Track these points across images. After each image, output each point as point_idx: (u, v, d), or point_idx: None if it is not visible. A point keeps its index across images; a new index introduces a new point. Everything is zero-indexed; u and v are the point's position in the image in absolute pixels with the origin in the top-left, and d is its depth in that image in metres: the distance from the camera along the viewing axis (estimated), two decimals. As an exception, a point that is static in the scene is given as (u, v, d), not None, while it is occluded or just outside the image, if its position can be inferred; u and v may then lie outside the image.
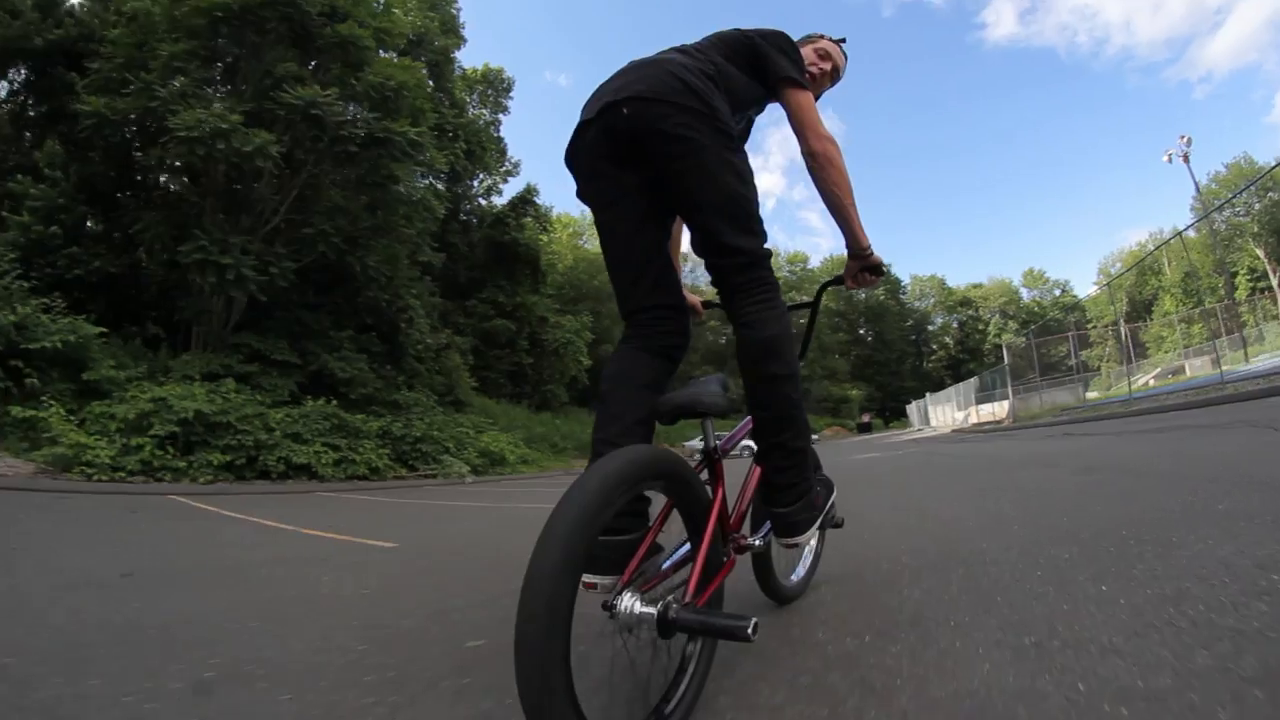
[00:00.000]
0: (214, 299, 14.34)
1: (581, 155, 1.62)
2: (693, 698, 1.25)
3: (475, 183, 30.05)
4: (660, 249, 1.66)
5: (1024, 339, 35.51)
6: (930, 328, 78.15)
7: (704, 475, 1.41)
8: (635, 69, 1.59)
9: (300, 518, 6.61)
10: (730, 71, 1.67)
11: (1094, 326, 44.61)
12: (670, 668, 1.27)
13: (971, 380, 36.14)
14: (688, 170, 1.50)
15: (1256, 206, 46.18)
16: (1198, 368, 24.49)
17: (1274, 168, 25.60)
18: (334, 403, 14.62)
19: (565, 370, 31.34)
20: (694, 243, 1.63)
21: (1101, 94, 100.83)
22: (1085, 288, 75.20)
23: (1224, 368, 15.85)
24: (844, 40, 2.12)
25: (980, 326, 73.56)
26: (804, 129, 1.66)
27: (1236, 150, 65.41)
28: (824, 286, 2.07)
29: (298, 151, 15.37)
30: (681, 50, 1.67)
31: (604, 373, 1.62)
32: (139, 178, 16.77)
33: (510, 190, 31.11)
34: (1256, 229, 46.43)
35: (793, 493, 1.58)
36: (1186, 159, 23.20)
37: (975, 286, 75.16)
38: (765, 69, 1.71)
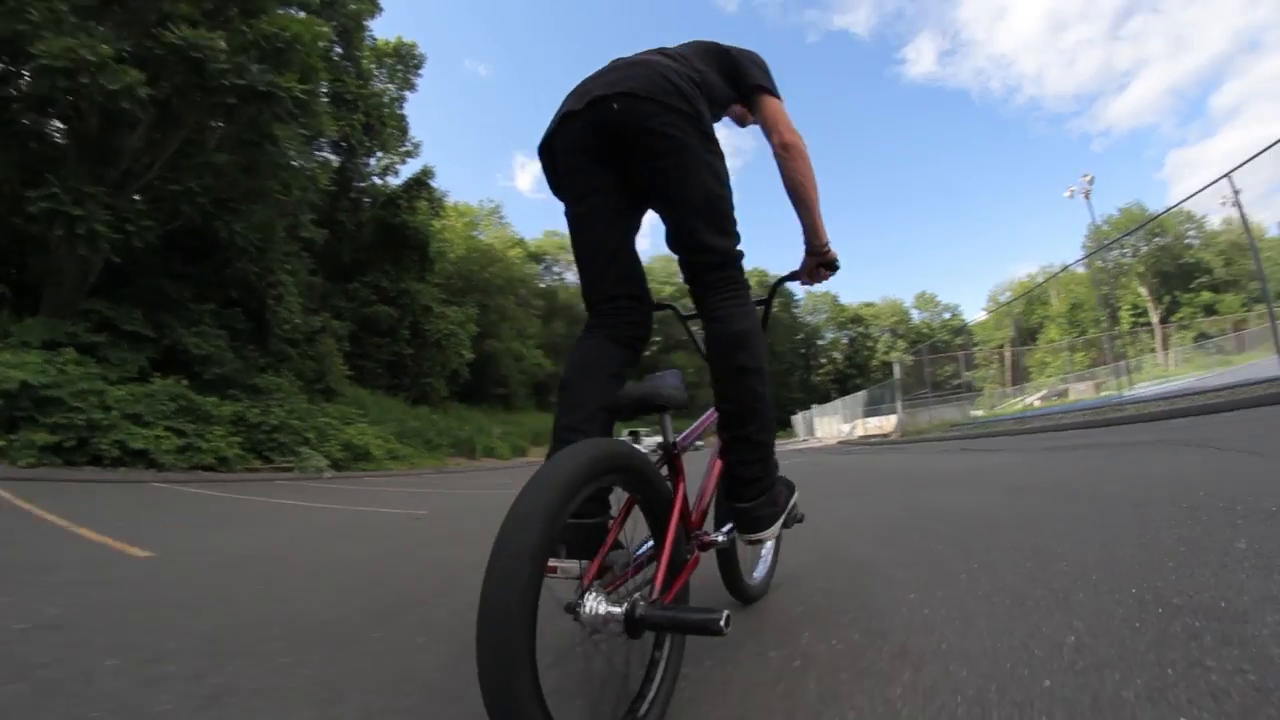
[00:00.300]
0: (66, 257, 12.84)
1: (561, 147, 1.63)
2: (666, 697, 1.22)
3: (372, 160, 28.67)
4: (629, 242, 1.69)
5: (913, 356, 37.17)
6: (820, 342, 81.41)
7: (663, 471, 1.40)
8: (625, 67, 1.61)
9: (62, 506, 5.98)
10: (711, 78, 1.71)
11: (980, 349, 47.91)
12: (639, 669, 1.23)
13: (859, 394, 37.67)
14: (671, 169, 1.54)
15: (1143, 249, 51.69)
16: (1081, 391, 27.04)
17: (1159, 215, 28.37)
18: (184, 382, 13.50)
19: (446, 363, 30.57)
20: (670, 239, 1.65)
21: (1007, 137, 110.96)
22: (974, 313, 79.90)
23: (1122, 391, 16.04)
24: None
25: (869, 343, 77.00)
26: (778, 125, 1.72)
27: (1128, 198, 73.80)
28: (779, 282, 2.03)
29: (178, 102, 14.09)
30: (664, 53, 1.69)
31: (569, 358, 1.63)
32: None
33: (409, 173, 29.85)
34: (1142, 269, 52.08)
35: (756, 487, 1.58)
36: (1087, 195, 25.29)
37: (868, 305, 78.94)
38: (739, 78, 1.78)
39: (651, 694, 1.19)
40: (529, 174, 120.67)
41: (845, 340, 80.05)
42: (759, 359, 1.59)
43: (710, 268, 1.61)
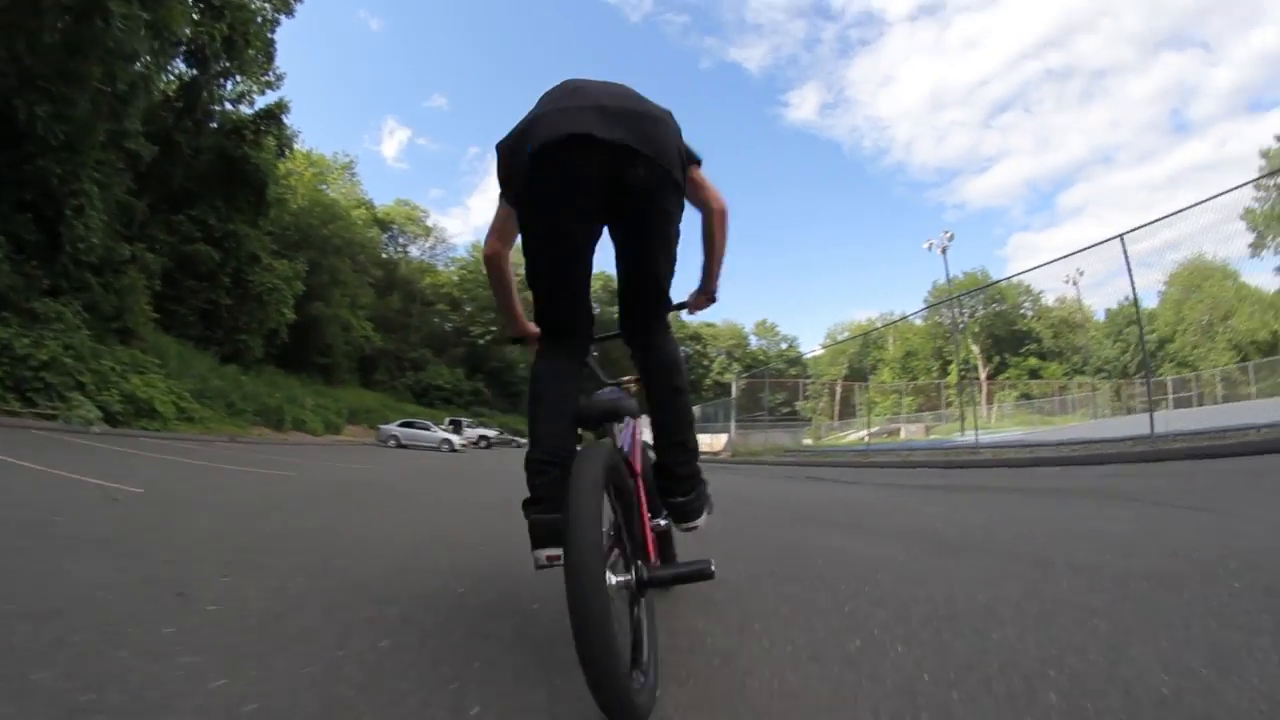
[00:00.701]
0: None
1: (563, 175, 1.56)
2: (655, 648, 1.40)
3: (229, 85, 25.22)
4: (589, 273, 1.79)
5: (746, 380, 38.53)
6: None
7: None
8: (649, 120, 1.59)
9: None
10: None
11: (813, 382, 51.12)
12: (629, 628, 1.37)
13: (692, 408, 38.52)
14: (656, 234, 1.70)
15: (981, 312, 58.30)
16: (912, 432, 29.36)
17: (996, 282, 31.04)
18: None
19: (266, 320, 27.42)
20: (628, 281, 1.81)
21: (867, 193, 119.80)
22: (811, 347, 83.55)
23: (963, 433, 16.27)
24: None
25: (705, 362, 78.71)
26: (712, 193, 1.84)
27: (974, 265, 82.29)
28: (671, 309, 2.06)
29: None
30: (664, 111, 1.68)
31: (538, 373, 1.77)
32: None
33: (265, 105, 26.45)
34: (977, 329, 58.22)
35: (690, 483, 1.86)
36: (944, 251, 27.77)
37: (708, 325, 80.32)
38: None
39: (646, 647, 1.35)
40: (397, 141, 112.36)
41: (682, 355, 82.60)
42: (686, 380, 1.93)
43: (658, 309, 1.86)
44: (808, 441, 27.52)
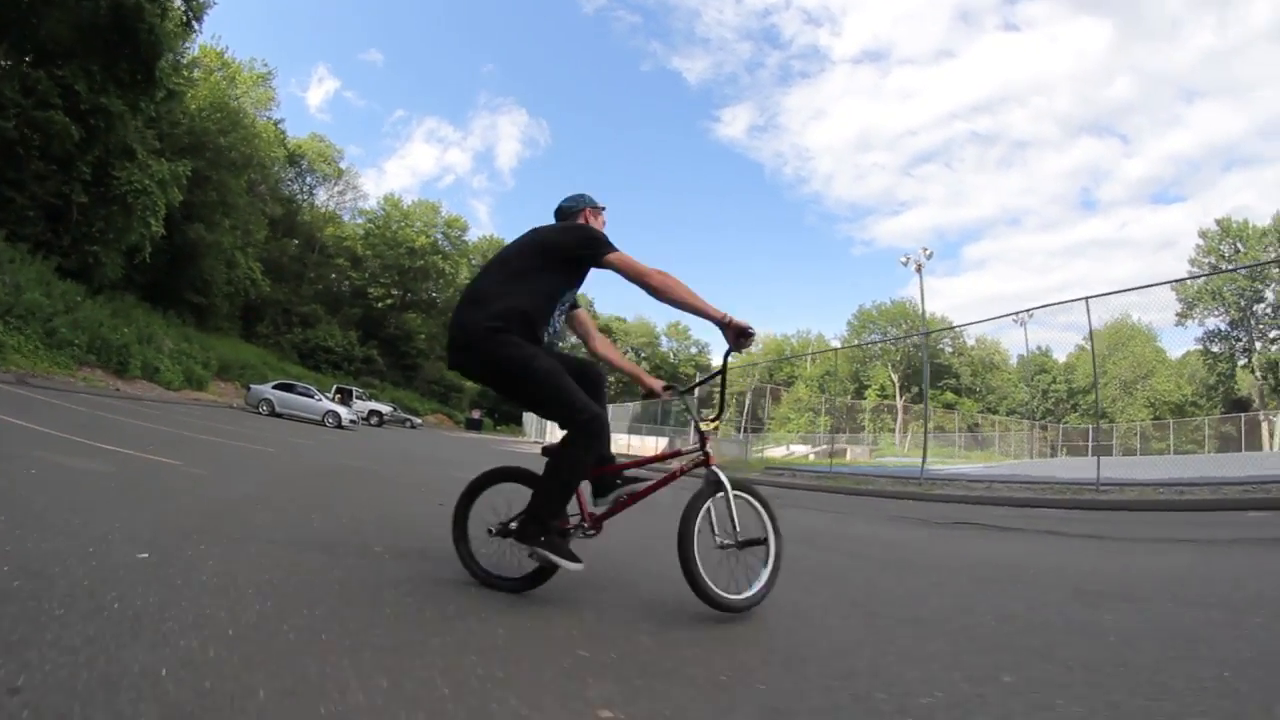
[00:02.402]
0: None
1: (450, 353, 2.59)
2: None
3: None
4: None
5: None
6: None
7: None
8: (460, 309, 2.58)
9: None
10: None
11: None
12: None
13: (629, 405, 35.60)
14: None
15: (901, 342, 59.26)
16: (857, 454, 28.15)
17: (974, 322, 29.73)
18: None
19: (129, 231, 21.07)
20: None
21: (781, 217, 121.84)
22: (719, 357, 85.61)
23: (909, 462, 15.54)
24: (604, 208, 2.87)
25: None
26: (639, 275, 2.41)
27: (876, 299, 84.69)
28: (725, 355, 2.59)
29: None
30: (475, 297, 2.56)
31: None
32: None
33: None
34: (898, 358, 58.97)
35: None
36: (920, 268, 26.24)
37: (619, 319, 77.81)
38: (585, 258, 2.56)
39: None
40: (324, 90, 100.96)
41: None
42: None
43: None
44: (760, 453, 25.33)
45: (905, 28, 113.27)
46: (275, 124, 40.92)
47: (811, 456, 28.29)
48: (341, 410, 22.89)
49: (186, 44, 26.39)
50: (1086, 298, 10.27)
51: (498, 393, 2.51)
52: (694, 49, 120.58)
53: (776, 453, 27.14)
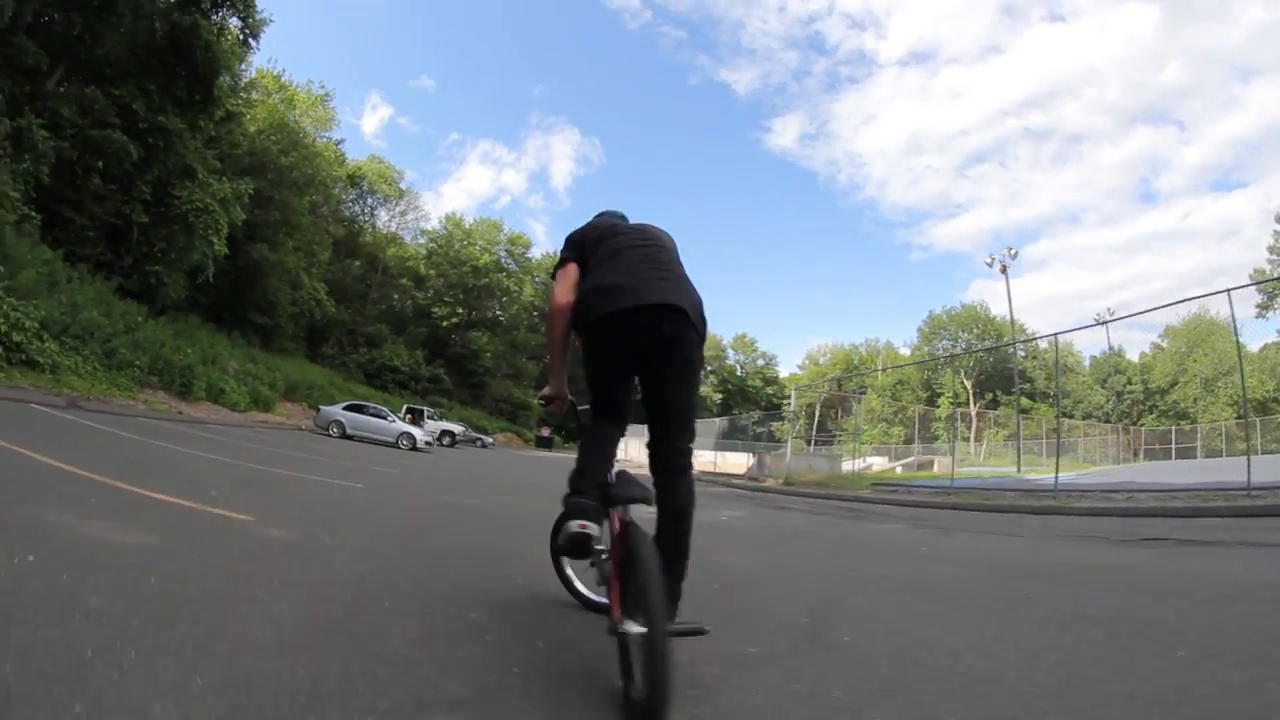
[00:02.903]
0: None
1: (625, 338, 2.18)
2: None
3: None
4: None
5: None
6: None
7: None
8: (675, 280, 2.27)
9: None
10: None
11: (787, 403, 47.25)
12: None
13: (714, 420, 34.30)
14: (686, 391, 2.27)
15: (975, 347, 56.99)
16: (944, 465, 25.54)
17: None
18: None
19: (191, 251, 20.79)
20: (659, 436, 2.25)
21: (838, 225, 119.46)
22: (789, 367, 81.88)
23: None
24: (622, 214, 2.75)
25: None
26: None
27: (943, 304, 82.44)
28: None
29: None
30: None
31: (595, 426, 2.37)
32: None
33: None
34: (970, 363, 56.29)
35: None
36: (1004, 269, 24.50)
37: None
38: None
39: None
40: (378, 117, 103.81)
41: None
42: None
43: (684, 467, 2.23)
44: (848, 466, 23.12)
45: (950, 26, 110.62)
46: (335, 144, 41.24)
47: (899, 469, 26.20)
48: (416, 431, 22.02)
49: (244, 65, 26.48)
50: (1229, 290, 9.82)
51: (669, 387, 2.26)
52: (740, 60, 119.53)
53: (851, 466, 25.13)
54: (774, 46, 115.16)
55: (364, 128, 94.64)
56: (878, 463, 30.39)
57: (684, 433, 2.23)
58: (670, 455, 2.20)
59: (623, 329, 2.14)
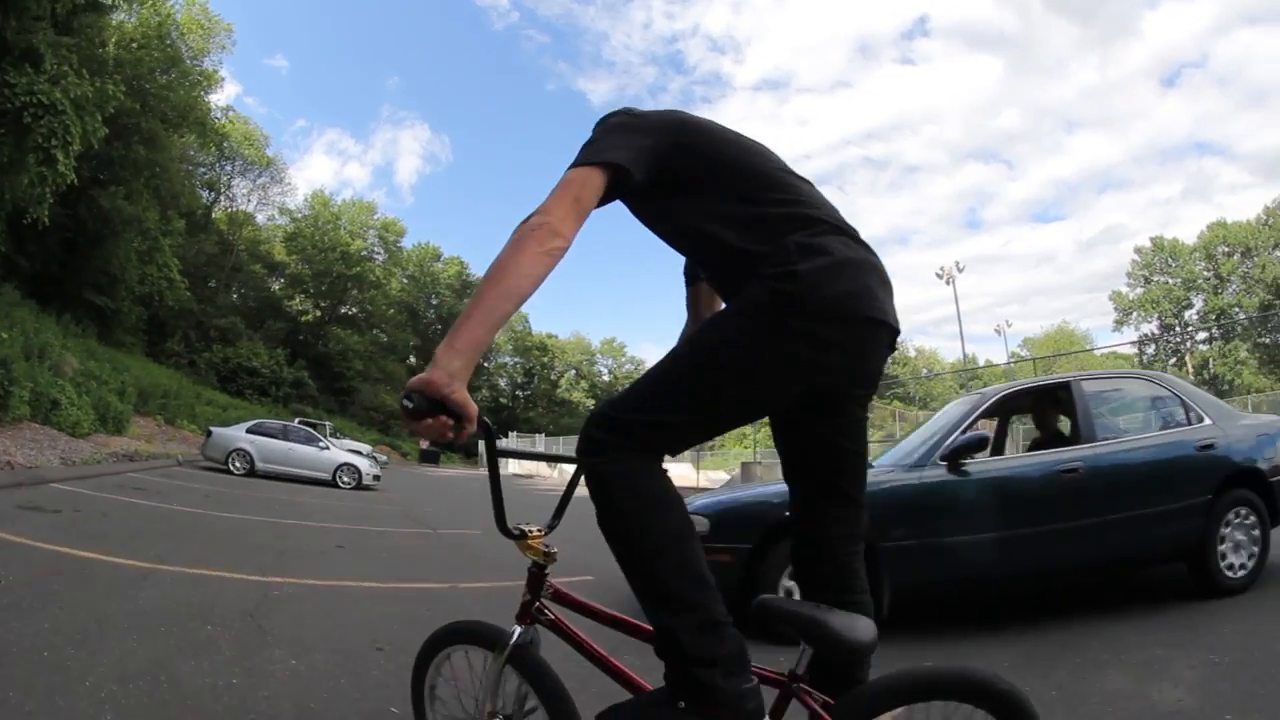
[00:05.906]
0: None
1: (870, 357, 1.32)
2: None
3: None
4: None
5: None
6: (486, 365, 69.95)
7: None
8: (886, 284, 1.35)
9: None
10: None
11: None
12: None
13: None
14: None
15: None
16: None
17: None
18: None
19: (17, 167, 12.76)
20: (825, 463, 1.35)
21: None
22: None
23: None
24: None
25: (551, 375, 70.14)
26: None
27: None
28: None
29: None
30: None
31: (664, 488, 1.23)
32: None
33: None
34: None
35: None
36: (950, 281, 24.70)
37: (551, 336, 70.96)
38: None
39: None
40: (224, 94, 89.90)
41: (521, 367, 70.60)
42: None
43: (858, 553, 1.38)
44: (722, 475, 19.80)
45: (806, 59, 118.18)
46: (215, 73, 31.54)
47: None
48: (360, 463, 15.23)
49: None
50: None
51: (856, 436, 1.34)
52: (599, 71, 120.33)
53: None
54: (634, 61, 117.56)
55: (212, 102, 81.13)
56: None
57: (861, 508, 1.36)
58: (837, 542, 1.32)
59: (865, 344, 1.29)
